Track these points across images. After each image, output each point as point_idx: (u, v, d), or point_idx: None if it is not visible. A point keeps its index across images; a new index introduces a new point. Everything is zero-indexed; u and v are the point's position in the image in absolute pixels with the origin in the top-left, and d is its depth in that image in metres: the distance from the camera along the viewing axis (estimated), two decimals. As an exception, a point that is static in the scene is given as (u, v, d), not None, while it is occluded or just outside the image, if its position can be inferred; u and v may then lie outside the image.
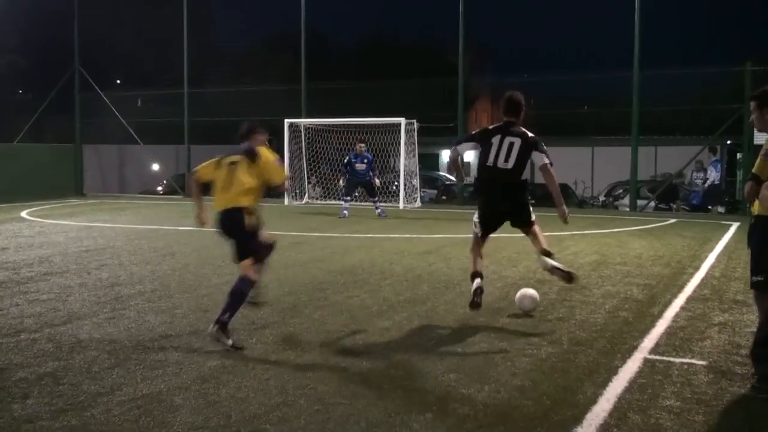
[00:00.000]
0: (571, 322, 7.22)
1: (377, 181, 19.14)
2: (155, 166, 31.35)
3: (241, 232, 6.51)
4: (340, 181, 19.66)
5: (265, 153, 6.75)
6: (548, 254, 7.66)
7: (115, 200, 25.12)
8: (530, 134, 7.71)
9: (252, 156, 6.66)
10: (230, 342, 6.08)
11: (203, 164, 7.05)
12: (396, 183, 22.58)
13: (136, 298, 8.20)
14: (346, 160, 19.21)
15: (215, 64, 32.88)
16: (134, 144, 28.37)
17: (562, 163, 28.79)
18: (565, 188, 25.97)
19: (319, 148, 23.58)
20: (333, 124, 23.24)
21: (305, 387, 5.20)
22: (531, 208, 7.93)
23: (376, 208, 18.78)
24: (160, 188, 30.62)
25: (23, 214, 18.31)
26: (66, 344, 6.26)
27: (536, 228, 7.87)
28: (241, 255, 6.56)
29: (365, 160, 18.76)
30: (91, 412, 4.69)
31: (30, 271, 10.05)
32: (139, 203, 23.63)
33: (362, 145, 19.33)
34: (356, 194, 20.36)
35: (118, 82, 36.99)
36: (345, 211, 18.36)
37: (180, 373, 5.49)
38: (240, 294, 6.33)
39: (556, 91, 31.55)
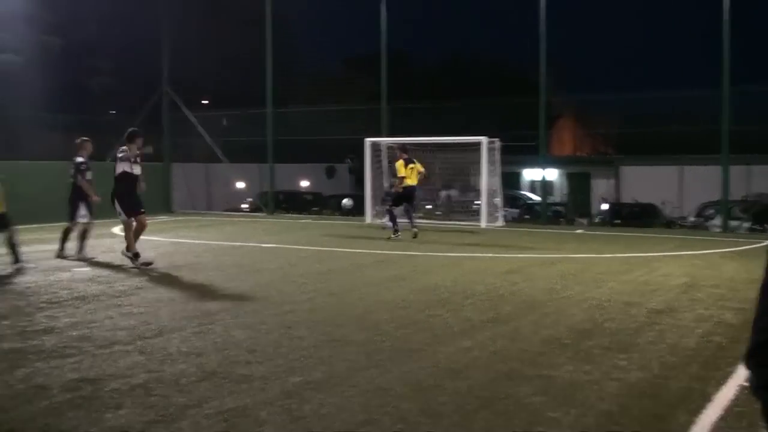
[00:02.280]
0: (661, 346, 7.00)
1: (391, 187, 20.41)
2: (240, 184, 32.02)
3: None
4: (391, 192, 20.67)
5: None
6: None
7: (202, 217, 25.74)
8: None
9: None
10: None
11: None
12: (477, 201, 22.44)
13: (222, 314, 8.35)
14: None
15: (298, 84, 33.47)
16: (220, 162, 29.06)
17: (648, 182, 28.27)
18: (652, 208, 25.38)
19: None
20: (414, 143, 23.29)
21: (388, 405, 5.19)
22: None
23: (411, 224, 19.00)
24: (244, 206, 31.23)
25: (115, 230, 18.95)
26: (156, 357, 6.42)
27: None
28: None
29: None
30: (180, 424, 4.78)
31: (123, 285, 10.37)
32: (224, 220, 24.14)
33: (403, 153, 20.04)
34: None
35: (205, 102, 38.02)
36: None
37: (265, 388, 5.55)
38: None
39: (641, 109, 30.87)
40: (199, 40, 33.35)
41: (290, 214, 27.01)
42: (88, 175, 13.25)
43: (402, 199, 17.82)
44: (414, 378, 5.87)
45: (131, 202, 12.30)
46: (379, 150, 23.65)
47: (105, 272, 11.62)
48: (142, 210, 12.49)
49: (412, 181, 17.64)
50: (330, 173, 35.34)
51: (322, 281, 10.78)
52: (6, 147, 29.46)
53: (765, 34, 27.54)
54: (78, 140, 13.56)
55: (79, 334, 7.26)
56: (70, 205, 13.34)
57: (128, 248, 12.28)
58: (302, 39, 38.43)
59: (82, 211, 13.29)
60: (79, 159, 13.26)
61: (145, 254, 12.33)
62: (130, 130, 12.73)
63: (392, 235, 16.95)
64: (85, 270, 11.80)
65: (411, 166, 17.64)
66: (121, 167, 12.26)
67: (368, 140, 23.65)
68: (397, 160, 17.82)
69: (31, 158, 25.54)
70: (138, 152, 12.51)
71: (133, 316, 8.19)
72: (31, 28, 32.48)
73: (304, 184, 35.36)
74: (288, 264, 12.77)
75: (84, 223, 13.36)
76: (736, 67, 21.25)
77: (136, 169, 12.39)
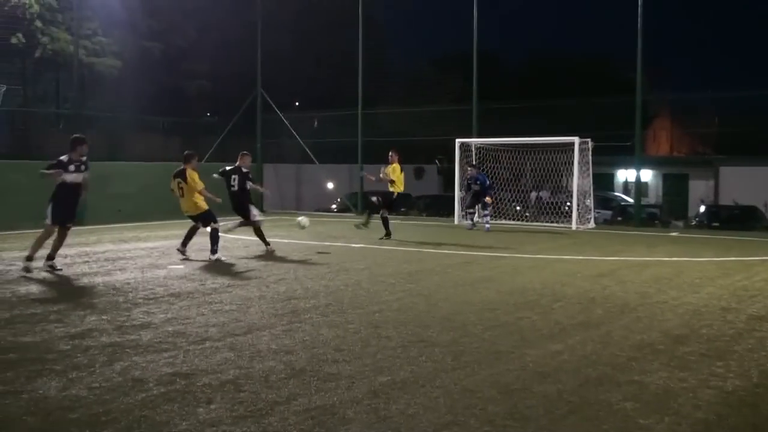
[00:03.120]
0: (762, 353, 6.71)
1: (488, 199, 20.53)
2: (330, 185, 32.42)
3: None
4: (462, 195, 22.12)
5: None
6: None
7: (293, 217, 26.15)
8: None
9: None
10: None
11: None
12: (569, 203, 22.04)
13: (311, 312, 8.46)
14: (465, 180, 21.53)
15: (388, 85, 33.63)
16: (310, 163, 29.50)
17: (750, 183, 27.29)
18: (753, 210, 24.39)
19: (490, 167, 23.46)
20: (504, 144, 23.06)
21: (475, 407, 5.15)
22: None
23: (485, 223, 20.26)
24: (334, 206, 31.59)
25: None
26: (246, 353, 6.56)
27: None
28: None
29: (478, 182, 20.54)
30: (269, 420, 4.87)
31: (214, 282, 10.65)
32: (314, 220, 24.46)
33: (473, 169, 21.30)
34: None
35: (297, 104, 38.64)
36: (470, 221, 20.98)
37: (352, 386, 5.59)
38: None
39: (741, 108, 29.72)
40: (291, 43, 33.92)
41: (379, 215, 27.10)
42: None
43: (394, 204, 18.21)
44: (501, 380, 5.80)
45: (60, 211, 11.59)
46: (470, 151, 23.53)
47: (198, 270, 11.95)
48: (69, 225, 11.90)
49: (399, 187, 17.34)
50: (419, 174, 35.37)
51: (410, 282, 10.80)
52: (109, 149, 30.65)
53: None
54: (240, 154, 14.77)
55: (173, 330, 7.49)
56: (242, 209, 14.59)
57: (30, 253, 11.56)
58: (392, 40, 38.51)
59: (254, 211, 14.54)
60: (244, 169, 14.50)
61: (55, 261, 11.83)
62: (73, 136, 12.07)
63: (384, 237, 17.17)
64: (180, 267, 12.17)
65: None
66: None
67: (458, 141, 23.57)
68: (392, 163, 17.40)
69: (132, 159, 26.51)
70: (82, 159, 11.74)
71: (224, 313, 8.39)
72: (132, 33, 33.72)
73: (393, 185, 35.43)
74: (375, 264, 12.84)
75: (256, 221, 14.56)
76: None
77: (73, 177, 11.57)
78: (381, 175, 17.48)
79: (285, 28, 33.44)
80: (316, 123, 33.83)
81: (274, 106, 29.18)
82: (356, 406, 5.14)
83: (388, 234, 17.15)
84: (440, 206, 27.65)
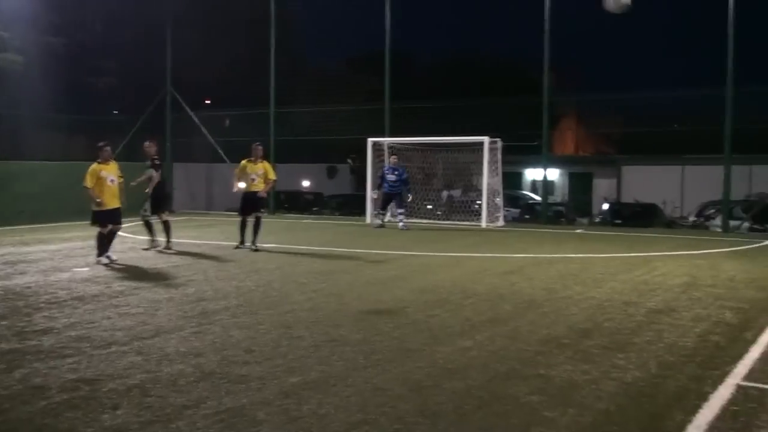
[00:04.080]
0: (659, 345, 7.00)
1: (409, 196, 20.78)
2: (241, 185, 32.06)
3: None
4: (374, 195, 21.86)
5: None
6: None
7: (203, 217, 25.76)
8: None
9: None
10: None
11: None
12: (479, 202, 22.43)
13: (221, 314, 8.35)
14: (380, 173, 21.44)
15: (300, 83, 33.50)
16: (222, 162, 29.09)
17: (650, 182, 28.27)
18: (653, 208, 25.34)
19: (402, 166, 23.63)
20: (416, 143, 23.29)
21: (385, 405, 5.19)
22: None
23: (399, 221, 20.23)
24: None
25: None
26: (154, 357, 6.42)
27: None
28: None
29: (396, 173, 20.56)
30: (177, 424, 4.79)
31: (121, 285, 10.38)
32: (225, 220, 24.15)
33: (394, 157, 21.43)
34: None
35: (208, 102, 38.03)
36: (378, 221, 20.98)
37: (263, 388, 5.55)
38: None
39: (643, 109, 30.82)
40: (202, 40, 33.36)
41: (291, 214, 27.02)
42: None
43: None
44: (412, 378, 5.87)
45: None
46: (381, 150, 23.65)
47: (103, 273, 11.63)
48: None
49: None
50: (331, 173, 35.34)
51: (321, 281, 10.79)
52: (9, 148, 29.47)
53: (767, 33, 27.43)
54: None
55: (77, 335, 7.27)
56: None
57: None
58: (305, 38, 38.37)
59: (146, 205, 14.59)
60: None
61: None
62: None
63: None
64: (84, 270, 11.81)
65: None
66: None
67: (371, 140, 23.66)
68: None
69: (34, 158, 25.56)
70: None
71: (131, 316, 8.20)
72: (34, 28, 32.52)
73: (306, 184, 35.36)
74: (288, 264, 12.78)
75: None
76: (739, 67, 21.24)
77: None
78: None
79: (196, 24, 32.85)
80: (227, 122, 33.37)
81: (184, 104, 28.65)
82: (267, 408, 5.11)
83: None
84: (352, 206, 27.68)
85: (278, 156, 27.41)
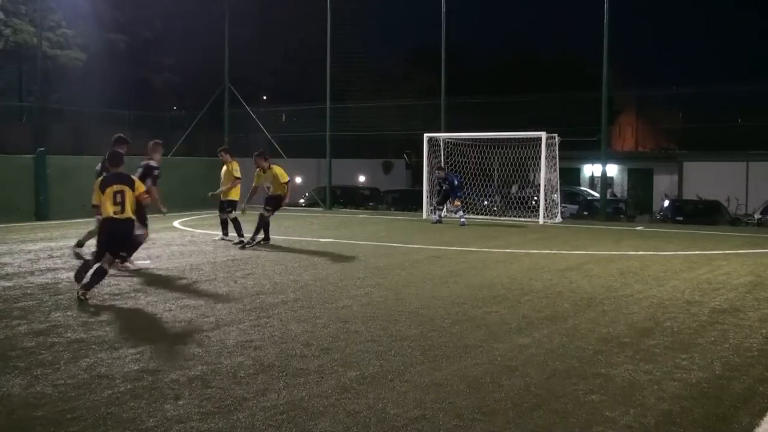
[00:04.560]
0: (724, 346, 6.83)
1: (457, 203, 20.86)
2: (298, 179, 32.35)
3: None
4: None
5: None
6: None
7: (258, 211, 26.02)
8: None
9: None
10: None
11: None
12: (536, 198, 22.22)
13: (280, 307, 8.43)
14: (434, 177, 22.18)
15: (357, 79, 33.62)
16: (279, 157, 29.39)
17: (713, 178, 27.72)
18: (716, 205, 24.76)
19: (458, 162, 23.56)
20: (472, 139, 23.16)
21: (443, 401, 5.17)
22: None
23: (460, 216, 20.41)
24: (302, 200, 31.53)
25: (176, 223, 19.32)
26: (214, 349, 6.52)
27: None
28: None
29: (447, 182, 20.90)
30: (237, 416, 4.85)
31: (181, 278, 10.56)
32: (283, 215, 24.35)
33: (441, 171, 21.76)
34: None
35: (265, 98, 38.46)
36: (436, 216, 21.18)
37: (321, 381, 5.59)
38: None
39: (705, 104, 30.14)
40: (259, 36, 33.75)
41: (347, 209, 27.14)
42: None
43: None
44: (469, 374, 5.84)
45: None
46: (438, 146, 23.59)
47: (164, 266, 11.84)
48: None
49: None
50: (387, 168, 35.38)
51: (378, 276, 10.81)
52: (72, 142, 30.23)
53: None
54: (151, 143, 12.17)
55: (139, 326, 7.42)
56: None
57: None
58: (361, 34, 38.51)
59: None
60: (152, 163, 11.79)
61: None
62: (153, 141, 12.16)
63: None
64: (146, 263, 12.03)
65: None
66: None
67: (426, 135, 23.61)
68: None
69: (97, 153, 26.19)
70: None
71: (192, 309, 8.33)
72: (97, 25, 33.27)
73: (361, 179, 35.47)
74: (344, 259, 12.83)
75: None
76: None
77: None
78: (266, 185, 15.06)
79: (252, 20, 33.23)
80: (284, 117, 33.69)
81: (241, 99, 28.99)
82: (325, 401, 5.14)
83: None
84: (408, 201, 27.70)
85: (334, 152, 27.57)
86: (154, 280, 10.30)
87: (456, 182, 20.91)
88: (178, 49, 36.84)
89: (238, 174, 15.35)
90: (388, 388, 5.44)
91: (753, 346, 6.81)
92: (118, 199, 8.91)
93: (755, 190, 26.50)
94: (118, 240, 9.07)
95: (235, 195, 15.34)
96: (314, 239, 16.08)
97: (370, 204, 29.77)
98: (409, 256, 13.23)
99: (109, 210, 8.87)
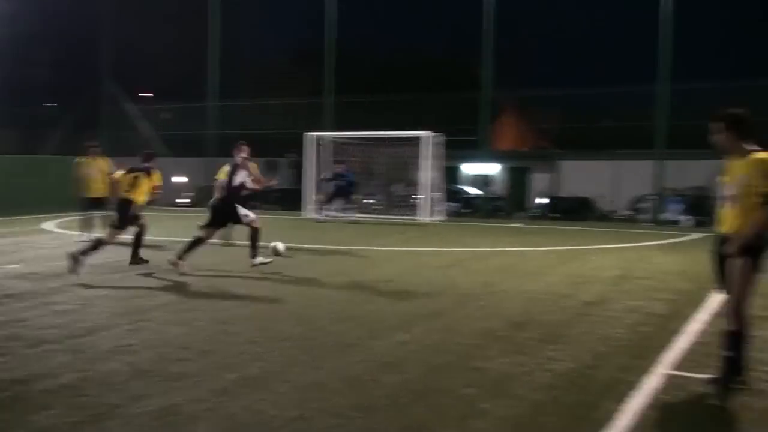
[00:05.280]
0: (593, 336, 7.16)
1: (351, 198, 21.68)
2: (180, 178, 31.62)
3: None
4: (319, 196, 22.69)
5: None
6: None
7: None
8: None
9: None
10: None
11: None
12: (419, 196, 22.57)
13: (156, 310, 8.24)
14: (327, 176, 22.27)
15: (241, 77, 33.25)
16: (159, 156, 28.70)
17: (585, 177, 28.83)
18: (588, 202, 25.85)
19: (343, 161, 23.63)
20: (356, 138, 23.30)
21: (322, 400, 5.19)
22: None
23: (347, 214, 21.26)
24: (183, 200, 30.85)
25: (47, 225, 18.53)
26: (87, 355, 6.30)
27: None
28: None
29: (344, 178, 21.41)
30: (108, 424, 4.71)
31: (54, 281, 10.15)
32: (163, 215, 23.79)
33: (342, 166, 22.08)
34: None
35: (145, 95, 37.40)
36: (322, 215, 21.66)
37: (198, 385, 5.50)
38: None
39: (580, 105, 31.39)
40: (142, 31, 32.79)
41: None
42: None
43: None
44: (349, 373, 5.89)
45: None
46: (320, 145, 23.60)
47: (35, 269, 11.35)
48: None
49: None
50: (271, 168, 35.12)
51: (260, 277, 10.73)
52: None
53: (701, 31, 28.25)
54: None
55: (7, 334, 7.09)
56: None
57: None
58: (246, 31, 38.00)
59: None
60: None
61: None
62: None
63: None
64: (17, 267, 11.51)
65: None
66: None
67: (310, 134, 23.58)
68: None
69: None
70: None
71: (64, 314, 8.02)
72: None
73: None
74: (224, 260, 12.66)
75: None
76: (673, 64, 21.81)
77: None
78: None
79: (135, 16, 32.26)
80: (166, 115, 32.89)
81: (121, 97, 28.11)
82: (203, 405, 5.06)
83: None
84: (291, 200, 27.58)
85: (218, 150, 27.15)
86: (23, 285, 9.84)
87: (353, 179, 21.16)
88: (54, 44, 35.35)
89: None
90: (268, 390, 5.42)
91: (618, 336, 7.18)
92: None
93: (623, 188, 27.82)
94: None
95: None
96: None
97: (254, 203, 29.43)
98: (291, 257, 13.18)
99: None
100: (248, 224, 11.51)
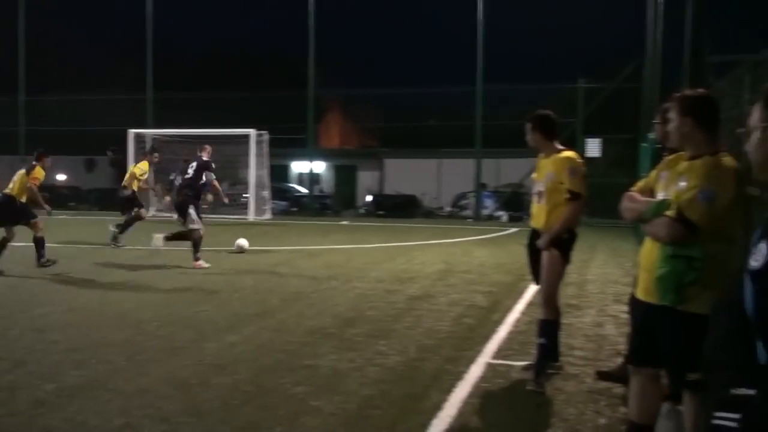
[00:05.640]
0: (418, 330, 7.39)
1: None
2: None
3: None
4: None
5: None
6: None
7: None
8: None
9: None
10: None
11: None
12: (246, 195, 22.32)
13: (-36, 320, 7.66)
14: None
15: (57, 71, 31.43)
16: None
17: (409, 175, 29.63)
18: (413, 199, 26.62)
19: (167, 159, 22.92)
20: (181, 135, 22.69)
21: (149, 406, 5.04)
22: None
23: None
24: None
25: None
26: None
27: None
28: None
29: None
30: None
31: None
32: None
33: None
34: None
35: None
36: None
37: (13, 398, 5.17)
38: None
39: (403, 104, 32.22)
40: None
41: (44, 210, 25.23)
42: None
43: None
44: (178, 377, 5.74)
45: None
46: (144, 142, 22.79)
47: None
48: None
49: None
50: (90, 166, 33.52)
51: (82, 281, 10.23)
52: None
53: (512, 36, 29.79)
54: None
55: None
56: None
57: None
58: (60, 23, 35.95)
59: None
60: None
61: None
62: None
63: None
64: None
65: None
66: None
67: (131, 131, 22.72)
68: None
69: None
70: None
71: None
72: None
73: (61, 177, 33.28)
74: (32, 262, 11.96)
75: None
76: (488, 67, 22.86)
77: None
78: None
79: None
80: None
81: None
82: (17, 419, 4.76)
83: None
84: (114, 200, 26.47)
85: (30, 147, 25.52)
86: None
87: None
88: None
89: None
90: (90, 399, 5.19)
91: (443, 329, 7.46)
92: None
93: (446, 185, 28.89)
94: None
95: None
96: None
97: (71, 204, 28.01)
98: (114, 258, 12.66)
99: None
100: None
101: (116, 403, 5.10)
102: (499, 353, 6.55)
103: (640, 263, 3.91)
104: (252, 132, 21.41)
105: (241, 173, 23.70)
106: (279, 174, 29.70)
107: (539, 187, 5.73)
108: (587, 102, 22.59)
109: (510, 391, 5.49)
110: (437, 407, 5.11)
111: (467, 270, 11.49)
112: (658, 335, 3.76)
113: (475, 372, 5.95)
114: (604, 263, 12.19)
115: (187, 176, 12.36)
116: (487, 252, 13.81)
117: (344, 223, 21.11)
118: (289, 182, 33.61)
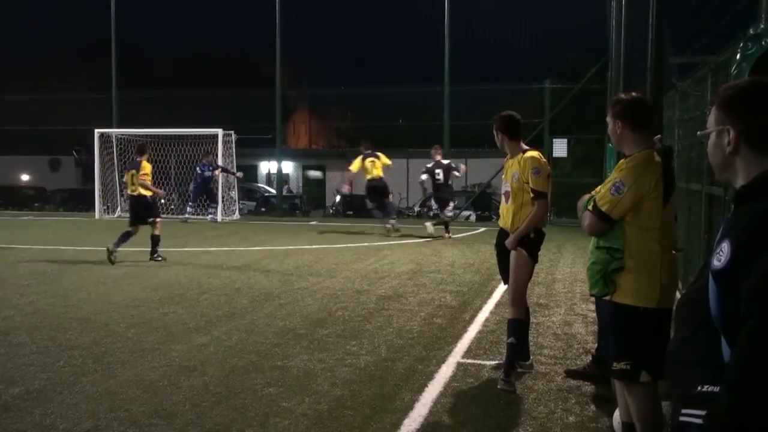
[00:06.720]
0: (389, 330, 7.40)
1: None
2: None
3: None
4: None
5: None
6: None
7: None
8: None
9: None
10: None
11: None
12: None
13: (-74, 323, 7.51)
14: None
15: (19, 69, 30.97)
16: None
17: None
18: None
19: (133, 159, 22.70)
20: (147, 135, 22.47)
21: (118, 409, 4.99)
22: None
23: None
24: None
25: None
26: None
27: None
28: None
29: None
30: None
31: None
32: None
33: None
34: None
35: None
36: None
37: (-22, 402, 5.10)
38: None
39: (372, 105, 32.18)
40: None
41: (7, 211, 24.88)
42: None
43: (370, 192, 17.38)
44: (146, 379, 5.70)
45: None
46: (110, 141, 22.54)
47: None
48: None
49: (373, 174, 16.76)
50: (54, 166, 33.09)
51: (46, 282, 10.09)
52: None
53: (479, 36, 29.89)
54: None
55: None
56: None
57: None
58: (23, 21, 35.36)
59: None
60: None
61: None
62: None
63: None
64: None
65: (371, 159, 17.04)
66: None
67: (97, 131, 22.46)
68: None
69: None
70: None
71: None
72: None
73: (25, 178, 32.83)
74: (5, 264, 11.78)
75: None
76: (455, 67, 22.96)
77: None
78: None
79: None
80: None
81: None
82: (-17, 424, 4.70)
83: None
84: (79, 200, 26.16)
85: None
86: None
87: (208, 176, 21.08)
88: None
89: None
90: (57, 402, 5.12)
91: (413, 329, 7.47)
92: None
93: (414, 185, 28.91)
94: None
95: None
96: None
97: (36, 204, 27.63)
98: (79, 260, 12.50)
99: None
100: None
101: (84, 406, 5.05)
102: (470, 353, 6.58)
103: None
104: (219, 131, 21.27)
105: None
106: (247, 174, 29.56)
107: (506, 187, 5.78)
108: (554, 103, 22.77)
109: (481, 390, 5.52)
110: (408, 407, 5.13)
111: (437, 270, 11.52)
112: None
113: (445, 371, 5.97)
114: (572, 263, 12.30)
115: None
116: (456, 252, 13.85)
117: (313, 223, 21.05)
118: (258, 182, 33.48)
